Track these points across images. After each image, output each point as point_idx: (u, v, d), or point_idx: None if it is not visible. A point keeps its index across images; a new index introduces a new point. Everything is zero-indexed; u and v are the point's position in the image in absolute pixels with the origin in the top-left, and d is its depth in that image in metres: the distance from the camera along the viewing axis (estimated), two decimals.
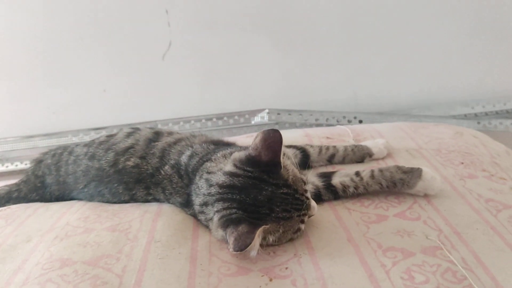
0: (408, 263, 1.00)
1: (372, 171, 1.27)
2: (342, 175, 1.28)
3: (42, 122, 2.16)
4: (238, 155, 1.09)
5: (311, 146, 1.48)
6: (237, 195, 1.03)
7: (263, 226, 0.99)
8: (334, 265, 1.01)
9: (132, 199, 1.24)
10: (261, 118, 2.07)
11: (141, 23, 2.10)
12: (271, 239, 1.04)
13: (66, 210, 1.23)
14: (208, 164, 1.11)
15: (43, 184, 1.44)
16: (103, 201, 1.33)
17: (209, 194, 1.08)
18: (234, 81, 2.21)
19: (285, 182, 1.05)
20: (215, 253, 1.02)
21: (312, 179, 1.28)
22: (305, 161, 1.40)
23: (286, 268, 1.00)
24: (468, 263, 1.00)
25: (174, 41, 2.14)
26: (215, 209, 1.05)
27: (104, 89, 2.07)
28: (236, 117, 2.11)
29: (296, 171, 1.12)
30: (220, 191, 1.05)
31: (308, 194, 1.12)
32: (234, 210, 1.02)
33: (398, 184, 1.25)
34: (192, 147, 1.21)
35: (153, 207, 1.20)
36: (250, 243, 0.95)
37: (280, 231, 1.04)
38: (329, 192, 1.25)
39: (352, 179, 1.26)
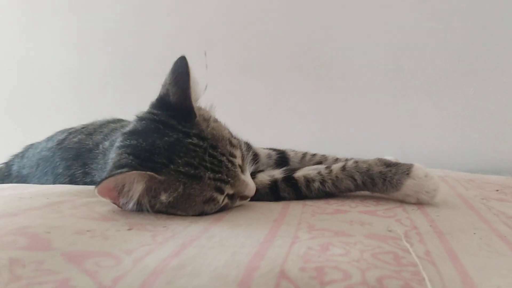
0: (330, 239, 0.70)
1: (346, 162, 0.98)
2: (310, 168, 1.01)
3: None
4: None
5: (294, 150, 1.22)
6: (135, 140, 0.84)
7: (149, 173, 0.77)
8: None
9: (71, 181, 1.08)
10: None
11: None
12: (164, 198, 0.80)
13: None
14: None
15: (9, 173, 1.37)
16: (47, 183, 1.19)
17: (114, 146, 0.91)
18: (267, 127, 2.05)
19: (198, 132, 0.83)
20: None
21: (273, 172, 1.02)
22: (282, 165, 1.15)
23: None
24: (432, 256, 0.67)
25: (210, 84, 2.09)
26: (111, 157, 0.86)
27: None
28: None
29: (227, 132, 0.90)
30: (121, 138, 0.87)
31: (238, 162, 0.88)
32: (125, 156, 0.82)
33: (378, 181, 0.93)
34: None
35: None
36: (114, 182, 0.73)
37: (180, 190, 0.80)
38: (289, 186, 0.98)
39: (319, 172, 0.98)
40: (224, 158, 0.84)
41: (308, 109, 2.04)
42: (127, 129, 0.88)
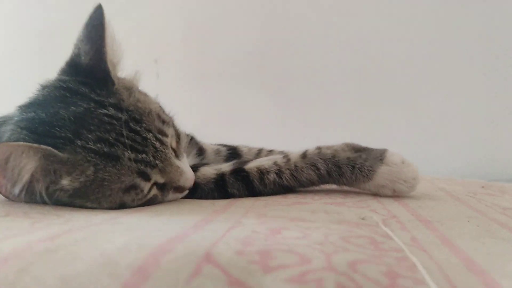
0: (285, 224, 0.52)
1: (306, 149, 0.80)
2: (264, 159, 0.82)
3: None
4: None
5: (248, 146, 1.04)
6: (32, 112, 0.64)
7: (44, 147, 0.57)
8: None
9: None
10: None
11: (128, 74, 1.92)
12: (67, 183, 0.60)
13: None
14: None
15: None
16: None
17: None
18: (225, 139, 1.86)
19: (117, 102, 0.64)
20: None
21: (221, 165, 0.83)
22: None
23: None
24: (420, 243, 0.48)
25: (162, 94, 1.90)
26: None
27: None
28: None
29: (156, 106, 0.71)
30: (17, 113, 0.66)
31: (171, 142, 0.69)
32: (16, 131, 0.62)
33: (346, 169, 0.76)
34: None
35: None
36: None
37: (89, 174, 0.60)
38: (239, 180, 0.79)
39: (275, 162, 0.80)
40: (150, 135, 0.65)
41: (267, 120, 1.88)
42: (25, 101, 0.68)
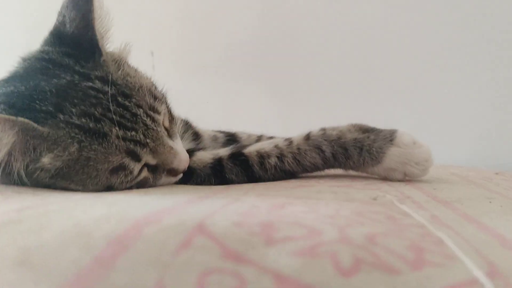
0: (289, 200, 0.46)
1: (310, 131, 0.75)
2: (265, 142, 0.77)
3: None
4: None
5: (247, 132, 0.98)
6: (12, 86, 0.58)
7: (22, 120, 0.51)
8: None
9: None
10: None
11: None
12: (48, 161, 0.54)
13: None
14: None
15: None
16: None
17: None
18: None
19: (104, 75, 0.59)
20: None
21: (218, 150, 0.78)
22: None
23: None
24: (441, 220, 0.42)
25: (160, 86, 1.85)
26: None
27: None
28: None
29: (148, 81, 0.66)
30: None
31: (163, 121, 0.63)
32: None
33: (353, 152, 0.70)
34: None
35: None
36: None
37: (73, 151, 0.54)
38: (237, 165, 0.73)
39: (276, 145, 0.74)
40: (140, 111, 0.60)
41: (266, 113, 1.82)
42: (4, 75, 0.62)
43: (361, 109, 1.72)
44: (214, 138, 0.93)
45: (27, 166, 0.55)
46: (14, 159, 0.54)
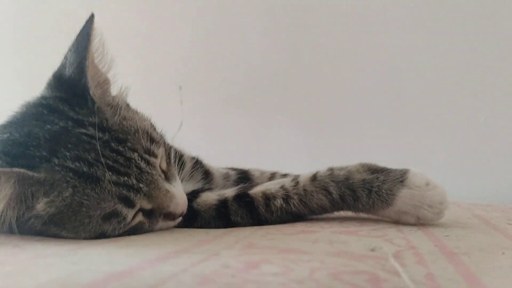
0: (269, 256, 0.44)
1: (317, 171, 0.72)
2: (271, 183, 0.75)
3: None
4: None
5: (260, 170, 0.96)
6: (8, 133, 0.59)
7: (17, 170, 0.52)
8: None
9: None
10: None
11: (152, 101, 1.90)
12: (42, 206, 0.54)
13: None
14: None
15: None
16: None
17: None
18: (254, 165, 1.79)
19: (99, 121, 0.59)
20: None
21: (224, 190, 0.76)
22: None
23: None
24: (436, 280, 0.39)
25: (186, 121, 1.87)
26: None
27: None
28: None
29: (146, 123, 0.66)
30: None
31: (160, 164, 0.62)
32: None
33: (361, 193, 0.67)
34: None
35: None
36: None
37: (67, 196, 0.54)
38: (242, 207, 0.71)
39: (282, 186, 0.72)
40: (135, 155, 0.59)
41: (297, 143, 1.79)
42: (4, 120, 0.63)
43: (393, 141, 1.67)
44: (226, 176, 0.91)
45: (23, 214, 0.55)
46: (10, 209, 0.54)
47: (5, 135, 0.59)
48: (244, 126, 1.86)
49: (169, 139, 0.78)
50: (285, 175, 0.93)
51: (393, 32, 1.63)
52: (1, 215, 0.54)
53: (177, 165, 0.77)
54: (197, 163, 0.87)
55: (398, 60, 1.63)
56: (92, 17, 0.62)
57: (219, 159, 1.83)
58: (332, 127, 1.77)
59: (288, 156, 1.79)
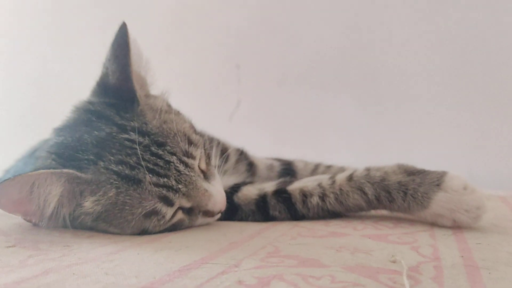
0: (284, 270, 0.47)
1: (354, 170, 0.73)
2: (309, 179, 0.77)
3: None
4: None
5: (304, 161, 0.98)
6: (62, 136, 0.66)
7: (66, 171, 0.59)
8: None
9: None
10: None
11: (209, 80, 1.95)
12: (89, 204, 0.61)
13: None
14: None
15: None
16: None
17: None
18: (305, 145, 1.80)
19: (139, 125, 0.64)
20: None
21: (265, 184, 0.80)
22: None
23: None
24: None
25: (244, 100, 1.91)
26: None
27: None
28: None
29: (186, 126, 0.70)
30: (52, 136, 0.70)
31: (199, 165, 0.67)
32: (47, 156, 0.64)
33: (396, 195, 0.68)
34: None
35: None
36: (16, 186, 0.56)
37: (111, 195, 0.60)
38: (280, 202, 0.75)
39: (319, 184, 0.74)
40: (174, 159, 0.63)
41: (351, 124, 1.77)
42: (59, 123, 0.70)
43: (454, 121, 1.61)
44: (270, 167, 0.94)
45: (74, 211, 0.61)
46: (61, 206, 0.60)
47: (60, 138, 0.66)
48: (299, 104, 1.86)
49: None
50: (329, 167, 0.94)
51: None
52: (55, 211, 0.61)
53: (221, 158, 0.82)
54: (242, 154, 0.90)
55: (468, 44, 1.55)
56: (124, 25, 0.66)
57: (275, 135, 1.86)
58: (391, 107, 1.73)
59: (343, 137, 1.78)
